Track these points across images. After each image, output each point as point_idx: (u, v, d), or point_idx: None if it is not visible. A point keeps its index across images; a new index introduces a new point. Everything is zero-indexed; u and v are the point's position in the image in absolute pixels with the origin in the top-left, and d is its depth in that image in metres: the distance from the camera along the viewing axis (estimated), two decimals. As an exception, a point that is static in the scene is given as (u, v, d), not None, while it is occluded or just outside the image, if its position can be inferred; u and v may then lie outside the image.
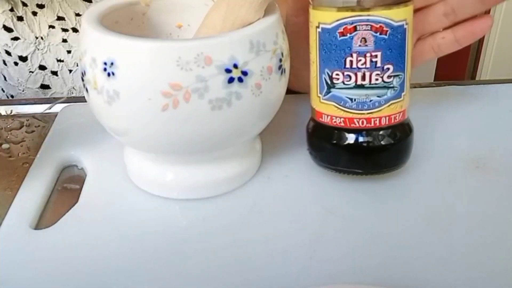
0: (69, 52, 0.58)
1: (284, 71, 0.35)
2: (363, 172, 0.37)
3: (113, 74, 0.31)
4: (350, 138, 0.36)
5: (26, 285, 0.31)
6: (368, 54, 0.34)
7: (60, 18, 0.56)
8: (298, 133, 0.40)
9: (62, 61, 0.58)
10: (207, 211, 0.36)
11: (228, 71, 0.31)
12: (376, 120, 0.35)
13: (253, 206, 0.37)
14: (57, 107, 0.49)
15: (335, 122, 0.36)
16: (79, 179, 0.40)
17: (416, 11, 0.36)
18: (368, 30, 0.33)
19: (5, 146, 0.45)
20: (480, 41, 1.55)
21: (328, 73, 0.35)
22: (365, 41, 0.33)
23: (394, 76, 0.34)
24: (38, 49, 0.57)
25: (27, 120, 0.49)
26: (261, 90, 0.33)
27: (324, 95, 0.36)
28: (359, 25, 0.33)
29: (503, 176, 0.39)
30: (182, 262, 0.32)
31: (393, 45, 0.34)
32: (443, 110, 0.48)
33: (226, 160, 0.37)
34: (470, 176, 0.39)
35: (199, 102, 0.31)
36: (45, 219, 0.37)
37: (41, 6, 0.55)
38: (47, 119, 0.49)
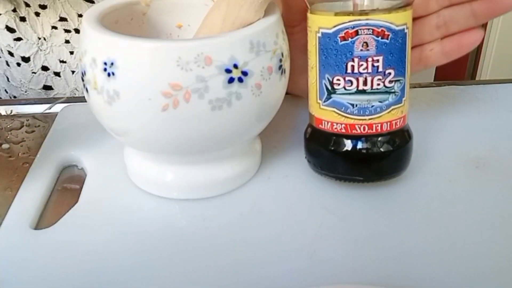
0: (71, 53, 0.58)
1: (284, 71, 0.35)
2: (363, 179, 0.37)
3: (113, 74, 0.31)
4: (350, 145, 0.36)
5: (26, 285, 0.31)
6: (369, 59, 0.33)
7: (62, 19, 0.56)
8: (298, 133, 0.40)
9: (65, 62, 0.58)
10: (207, 211, 0.36)
11: (228, 71, 0.31)
12: (377, 126, 0.35)
13: (253, 206, 0.37)
14: (57, 107, 0.49)
15: (335, 128, 0.36)
16: (79, 179, 0.40)
17: None
18: (369, 34, 0.33)
19: (5, 146, 0.45)
20: (480, 41, 1.54)
21: (328, 79, 0.35)
22: (367, 46, 0.33)
23: (396, 81, 0.34)
24: (40, 50, 0.57)
25: (27, 120, 0.49)
26: (261, 90, 0.33)
27: (324, 101, 0.35)
28: (360, 29, 0.33)
29: (503, 176, 0.39)
30: (182, 262, 0.32)
31: (394, 49, 0.33)
32: (443, 110, 0.48)
33: (226, 160, 0.37)
34: (470, 176, 0.39)
35: (199, 102, 0.31)
36: (45, 219, 0.37)
37: (43, 7, 0.55)
38: (47, 119, 0.49)
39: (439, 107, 0.48)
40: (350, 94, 0.34)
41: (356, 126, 0.35)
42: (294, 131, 0.43)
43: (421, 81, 0.53)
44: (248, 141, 0.38)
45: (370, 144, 0.36)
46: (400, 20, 0.33)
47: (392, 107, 0.35)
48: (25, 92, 0.60)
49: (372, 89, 0.34)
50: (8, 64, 0.59)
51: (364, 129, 0.35)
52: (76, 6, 0.56)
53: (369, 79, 0.34)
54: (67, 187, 0.40)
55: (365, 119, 0.35)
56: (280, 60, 0.34)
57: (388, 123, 0.35)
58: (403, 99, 0.35)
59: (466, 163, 0.41)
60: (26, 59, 0.58)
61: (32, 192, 0.38)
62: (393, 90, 0.34)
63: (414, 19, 0.38)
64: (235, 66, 0.31)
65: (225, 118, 0.33)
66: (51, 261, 0.32)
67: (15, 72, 0.59)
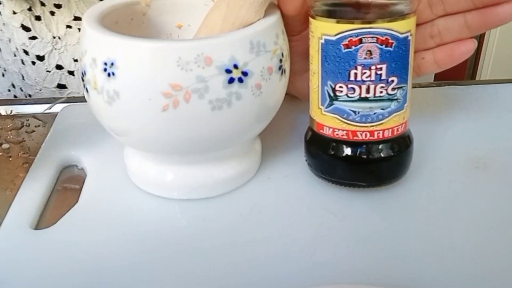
0: None
1: (284, 72, 0.35)
2: (363, 185, 0.37)
3: (113, 74, 0.31)
4: (350, 150, 0.36)
5: (26, 285, 0.31)
6: (373, 67, 0.33)
7: (77, 18, 0.57)
8: (298, 133, 0.40)
9: None
10: (207, 211, 0.36)
11: (228, 71, 0.31)
12: (379, 132, 0.35)
13: (253, 206, 0.37)
14: (57, 107, 0.49)
15: (337, 134, 0.35)
16: (79, 179, 0.40)
17: None
18: (373, 42, 0.32)
19: (5, 146, 0.45)
20: (480, 41, 1.55)
21: (331, 85, 0.34)
22: (371, 54, 0.32)
23: (398, 88, 0.34)
24: (55, 49, 0.58)
25: (27, 120, 0.49)
26: (261, 91, 0.33)
27: (326, 107, 0.35)
28: (364, 37, 0.32)
29: (503, 176, 0.39)
30: (182, 262, 0.32)
31: (398, 57, 0.33)
32: (443, 110, 0.48)
33: (226, 160, 0.37)
34: (470, 176, 0.39)
35: (199, 102, 0.31)
36: (45, 219, 0.37)
37: (58, 6, 0.56)
38: (47, 119, 0.49)
39: (439, 107, 0.48)
40: (352, 101, 0.34)
41: (358, 133, 0.35)
42: (294, 131, 0.43)
43: (421, 81, 0.53)
44: (248, 141, 0.38)
45: (370, 150, 0.36)
46: (404, 27, 0.32)
47: (394, 114, 0.35)
48: (40, 90, 0.61)
49: (374, 96, 0.34)
50: (23, 63, 0.60)
51: (365, 135, 0.35)
52: (90, 6, 0.56)
53: (372, 87, 0.33)
54: (67, 187, 0.40)
55: (367, 126, 0.35)
56: (280, 61, 0.34)
57: (390, 130, 0.35)
58: (405, 105, 0.35)
59: (466, 163, 0.41)
60: (41, 58, 0.58)
61: (32, 192, 0.38)
62: (395, 97, 0.34)
63: None
64: (235, 66, 0.31)
65: (225, 118, 0.33)
66: (51, 261, 0.32)
67: (30, 71, 0.60)
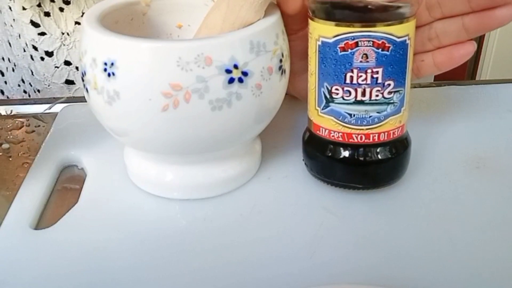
0: None
1: (284, 72, 0.35)
2: (358, 187, 0.37)
3: (113, 74, 0.31)
4: (346, 153, 0.36)
5: (26, 285, 0.31)
6: (369, 70, 0.33)
7: None
8: (298, 133, 0.40)
9: None
10: (207, 211, 0.36)
11: (228, 71, 0.31)
12: (375, 135, 0.35)
13: (253, 206, 0.37)
14: (57, 107, 0.49)
15: (333, 136, 0.35)
16: (79, 179, 0.40)
17: None
18: (369, 46, 0.32)
19: (5, 146, 0.45)
20: (480, 41, 1.55)
21: (327, 87, 0.34)
22: (367, 57, 0.32)
23: (395, 92, 0.34)
24: (64, 45, 0.58)
25: (27, 120, 0.49)
26: (261, 91, 0.33)
27: (323, 109, 0.35)
28: (360, 40, 0.32)
29: (503, 176, 0.39)
30: (182, 262, 0.32)
31: (395, 61, 0.33)
32: (443, 110, 0.48)
33: (226, 160, 0.37)
34: (470, 176, 0.39)
35: (199, 102, 0.31)
36: (45, 219, 0.37)
37: (67, 3, 0.56)
38: (47, 119, 0.49)
39: (439, 107, 0.48)
40: (348, 104, 0.34)
41: (353, 136, 0.35)
42: (294, 132, 0.43)
43: (421, 81, 0.53)
44: (248, 141, 0.38)
45: (367, 153, 0.36)
46: (402, 31, 0.32)
47: (391, 117, 0.35)
48: (48, 86, 0.61)
49: (370, 100, 0.34)
50: (32, 58, 0.60)
51: (361, 138, 0.35)
52: (98, 2, 0.57)
53: (367, 90, 0.33)
54: (67, 187, 0.40)
55: (362, 129, 0.35)
56: (280, 61, 0.34)
57: (386, 133, 0.35)
58: (402, 109, 0.35)
59: (466, 163, 0.41)
60: (49, 54, 0.59)
61: (32, 192, 0.38)
62: (392, 101, 0.34)
63: None
64: (235, 67, 0.31)
65: (225, 119, 0.33)
66: (51, 261, 0.32)
67: (38, 66, 0.60)
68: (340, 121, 0.35)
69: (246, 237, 0.34)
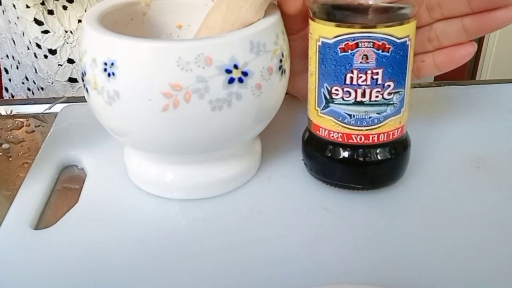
0: None
1: (284, 72, 0.35)
2: (357, 187, 0.37)
3: (113, 74, 0.31)
4: (345, 153, 0.36)
5: (26, 285, 0.31)
6: (369, 71, 0.33)
7: None
8: (298, 133, 0.40)
9: None
10: (207, 211, 0.36)
11: (228, 71, 0.31)
12: (374, 136, 0.35)
13: (253, 206, 0.37)
14: (57, 107, 0.49)
15: (332, 136, 0.35)
16: (79, 179, 0.40)
17: None
18: (370, 47, 0.32)
19: (5, 146, 0.45)
20: (480, 42, 1.55)
21: (327, 88, 0.34)
22: (367, 58, 0.32)
23: (395, 92, 0.34)
24: (67, 43, 0.58)
25: (27, 120, 0.49)
26: (261, 91, 0.33)
27: (322, 109, 0.35)
28: (361, 42, 0.32)
29: (503, 176, 0.39)
30: (182, 262, 0.32)
31: (395, 62, 0.33)
32: (443, 110, 0.48)
33: (226, 160, 0.37)
34: (470, 176, 0.39)
35: (199, 102, 0.31)
36: (45, 219, 0.37)
37: (70, 1, 0.57)
38: (47, 119, 0.49)
39: (439, 107, 0.48)
40: (348, 104, 0.34)
41: (353, 136, 0.35)
42: (294, 132, 0.43)
43: (421, 81, 0.53)
44: (248, 142, 0.38)
45: (366, 153, 0.36)
46: (402, 32, 0.32)
47: (390, 118, 0.35)
48: (52, 84, 0.61)
49: (370, 101, 0.34)
50: (36, 56, 0.61)
51: (360, 139, 0.35)
52: (101, 0, 0.57)
53: (367, 91, 0.33)
54: (67, 187, 0.40)
55: (362, 130, 0.35)
56: (280, 61, 0.34)
57: (385, 134, 0.35)
58: (402, 110, 0.35)
59: (466, 163, 0.41)
60: (53, 52, 0.59)
61: (32, 192, 0.38)
62: (391, 102, 0.34)
63: None
64: (235, 67, 0.31)
65: (225, 119, 0.33)
66: (51, 261, 0.32)
67: (42, 64, 0.60)
68: (339, 121, 0.35)
69: (246, 237, 0.34)
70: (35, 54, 0.60)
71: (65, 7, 0.57)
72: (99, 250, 0.33)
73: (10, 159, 0.44)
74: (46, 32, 0.58)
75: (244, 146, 0.38)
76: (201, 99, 0.31)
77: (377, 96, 0.34)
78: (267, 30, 0.33)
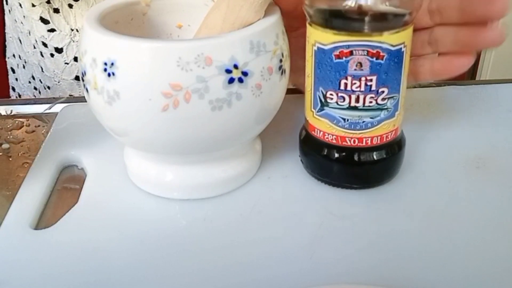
0: None
1: (284, 72, 0.35)
2: (351, 187, 0.37)
3: (113, 74, 0.31)
4: (339, 154, 0.36)
5: (26, 285, 0.31)
6: (363, 78, 0.33)
7: None
8: (298, 134, 0.40)
9: None
10: (207, 211, 0.36)
11: (228, 71, 0.31)
12: (367, 139, 0.35)
13: (253, 206, 0.37)
14: (57, 107, 0.49)
15: (327, 138, 0.36)
16: (79, 179, 0.40)
17: None
18: (364, 55, 0.32)
19: (5, 146, 0.45)
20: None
21: (322, 92, 0.35)
22: (361, 66, 0.32)
23: (389, 98, 0.34)
24: (73, 41, 0.59)
25: (27, 120, 0.49)
26: (261, 91, 0.33)
27: (318, 111, 0.36)
28: (355, 49, 0.32)
29: (503, 176, 0.39)
30: (182, 262, 0.32)
31: (389, 69, 0.33)
32: (443, 110, 0.48)
33: (226, 160, 0.37)
34: (470, 176, 0.39)
35: (199, 102, 0.31)
36: (45, 219, 0.37)
37: None
38: (47, 119, 0.49)
39: (439, 107, 0.48)
40: (342, 109, 0.34)
41: (347, 139, 0.35)
42: (294, 132, 0.43)
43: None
44: (248, 141, 0.38)
45: (359, 155, 0.36)
46: (397, 40, 0.32)
47: (384, 122, 0.35)
48: (58, 82, 0.61)
49: (364, 106, 0.34)
50: (42, 55, 0.61)
51: (354, 142, 0.35)
52: None
53: (361, 96, 0.34)
54: (67, 187, 0.40)
55: (355, 133, 0.35)
56: (280, 61, 0.34)
57: (379, 137, 0.35)
58: (396, 113, 0.35)
59: (466, 163, 0.41)
60: (59, 50, 0.59)
61: (32, 192, 0.38)
62: (385, 107, 0.34)
63: None
64: (235, 67, 0.31)
65: (225, 119, 0.33)
66: (51, 261, 0.32)
67: (48, 63, 0.61)
68: (334, 124, 0.35)
69: (246, 237, 0.34)
70: (41, 53, 0.60)
71: (70, 5, 0.57)
72: (99, 250, 0.33)
73: (10, 159, 0.44)
74: (52, 30, 0.58)
75: (244, 146, 0.38)
76: (201, 99, 0.31)
77: (371, 102, 0.34)
78: (267, 30, 0.33)
